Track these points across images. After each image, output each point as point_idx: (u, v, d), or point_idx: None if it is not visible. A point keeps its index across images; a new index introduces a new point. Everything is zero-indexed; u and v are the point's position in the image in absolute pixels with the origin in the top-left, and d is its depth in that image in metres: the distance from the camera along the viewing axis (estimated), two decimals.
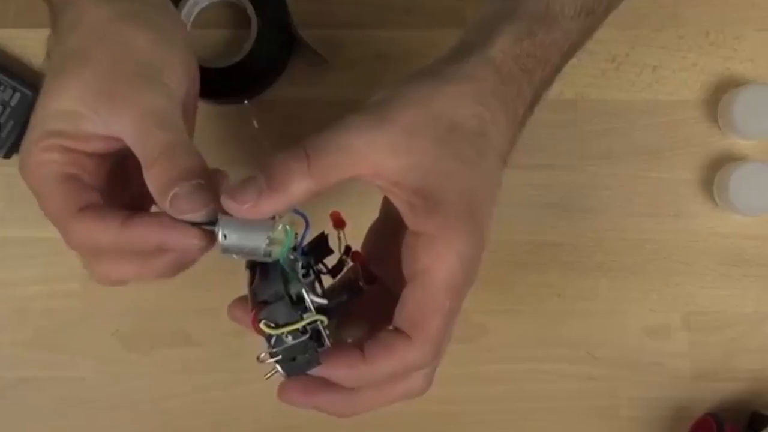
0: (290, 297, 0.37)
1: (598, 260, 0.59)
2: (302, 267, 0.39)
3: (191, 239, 0.37)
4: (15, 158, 0.58)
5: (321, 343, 0.38)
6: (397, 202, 0.38)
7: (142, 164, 0.38)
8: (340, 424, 0.59)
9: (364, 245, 0.44)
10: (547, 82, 0.43)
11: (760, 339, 0.59)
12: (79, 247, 0.40)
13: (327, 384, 0.39)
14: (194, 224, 0.38)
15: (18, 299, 0.59)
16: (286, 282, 0.38)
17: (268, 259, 0.37)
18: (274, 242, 0.37)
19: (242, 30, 0.59)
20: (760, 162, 0.58)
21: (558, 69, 0.44)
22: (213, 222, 0.37)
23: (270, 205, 0.36)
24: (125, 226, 0.38)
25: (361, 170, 0.37)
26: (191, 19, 0.60)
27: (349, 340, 0.42)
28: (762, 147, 0.60)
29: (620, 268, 0.59)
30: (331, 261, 0.42)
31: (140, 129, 0.38)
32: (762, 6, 0.60)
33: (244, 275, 0.41)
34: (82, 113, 0.39)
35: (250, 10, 0.57)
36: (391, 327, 0.39)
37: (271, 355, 0.37)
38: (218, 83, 0.57)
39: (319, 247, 0.41)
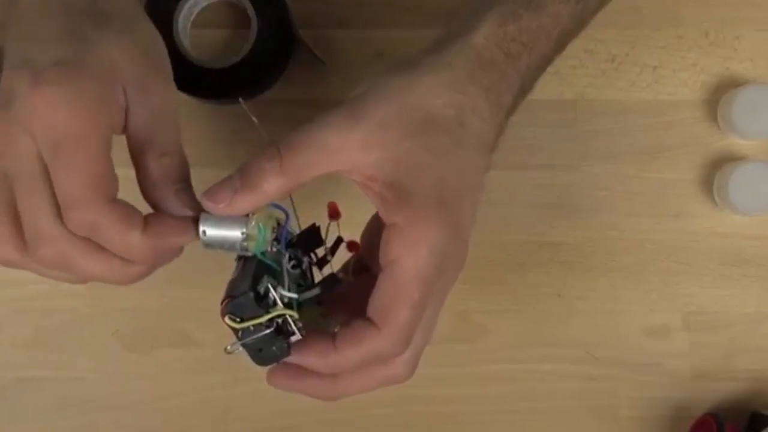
0: (257, 293, 0.38)
1: (598, 260, 0.59)
2: (290, 259, 0.40)
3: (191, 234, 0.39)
4: None
5: (289, 335, 0.39)
6: (371, 196, 0.39)
7: (152, 150, 0.39)
8: (340, 423, 0.59)
9: (362, 236, 0.45)
10: (536, 69, 0.43)
11: (760, 339, 0.59)
12: (79, 230, 0.37)
13: (310, 370, 0.40)
14: None
15: (18, 299, 0.59)
16: (258, 277, 0.38)
17: (248, 254, 0.39)
18: (250, 238, 0.38)
19: (242, 30, 0.59)
20: (760, 162, 0.58)
21: (548, 58, 0.44)
22: (195, 218, 0.39)
23: (244, 203, 0.37)
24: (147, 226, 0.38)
25: (335, 166, 0.38)
26: (191, 19, 0.60)
27: (337, 329, 0.42)
28: (762, 147, 0.60)
29: (620, 268, 0.59)
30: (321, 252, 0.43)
31: (170, 116, 0.40)
32: (762, 6, 0.60)
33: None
34: (123, 76, 0.38)
35: (250, 10, 0.57)
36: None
37: (242, 347, 0.39)
38: (218, 83, 0.57)
39: (310, 238, 0.42)
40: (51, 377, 0.59)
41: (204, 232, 0.38)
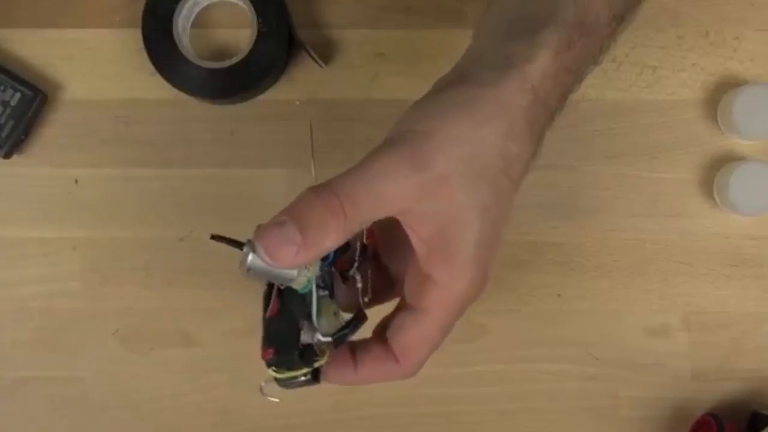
0: (300, 349, 0.39)
1: (599, 260, 0.59)
2: (320, 269, 0.40)
3: None
4: (15, 158, 0.58)
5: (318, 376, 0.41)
6: (414, 240, 0.39)
7: None
8: (340, 423, 0.59)
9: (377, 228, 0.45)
10: (572, 91, 0.43)
11: (760, 339, 0.59)
12: None
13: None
14: (221, 238, 0.38)
15: (18, 299, 0.59)
16: (299, 329, 0.39)
17: (293, 286, 0.39)
18: (301, 276, 0.38)
19: (242, 30, 0.59)
20: (760, 162, 0.58)
21: (585, 77, 0.43)
22: (241, 243, 0.37)
23: (305, 258, 0.37)
24: None
25: (387, 213, 0.38)
26: (191, 19, 0.60)
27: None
28: (762, 147, 0.60)
29: (620, 268, 0.59)
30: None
31: None
32: (762, 6, 0.60)
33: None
34: None
35: (251, 10, 0.57)
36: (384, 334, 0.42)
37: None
38: (218, 83, 0.57)
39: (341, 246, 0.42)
40: (51, 377, 0.59)
41: (249, 269, 0.37)
